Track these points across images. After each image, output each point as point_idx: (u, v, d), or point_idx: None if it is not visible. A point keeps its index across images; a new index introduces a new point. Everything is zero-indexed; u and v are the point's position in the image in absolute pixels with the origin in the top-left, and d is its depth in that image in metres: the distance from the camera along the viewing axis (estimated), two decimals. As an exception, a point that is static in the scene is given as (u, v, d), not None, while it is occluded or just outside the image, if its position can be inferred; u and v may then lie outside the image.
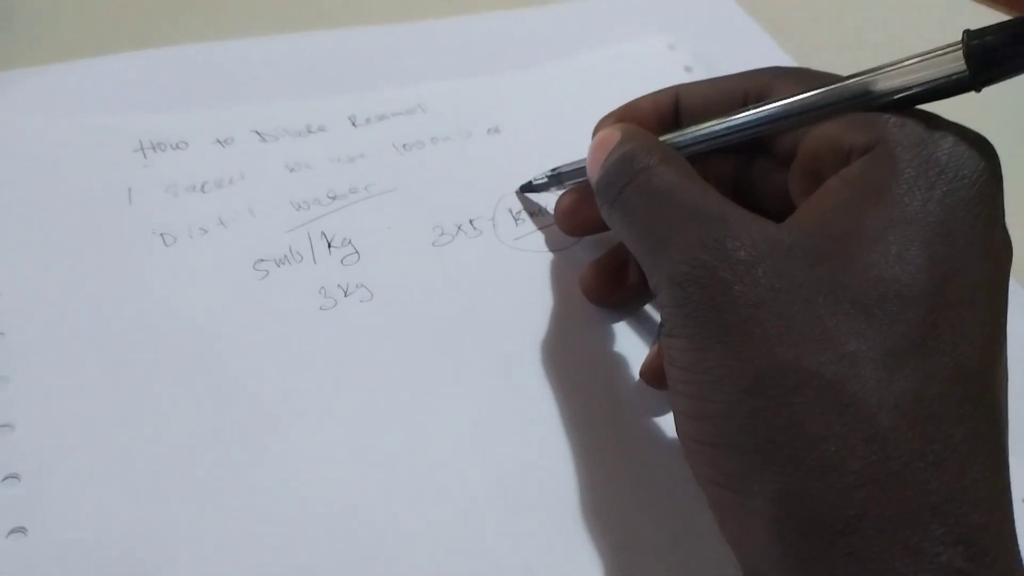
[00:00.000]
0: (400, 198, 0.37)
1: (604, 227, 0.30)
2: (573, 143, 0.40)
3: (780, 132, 0.28)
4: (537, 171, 0.39)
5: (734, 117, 0.28)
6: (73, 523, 0.26)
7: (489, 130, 0.41)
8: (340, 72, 0.44)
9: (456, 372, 0.32)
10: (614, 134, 0.29)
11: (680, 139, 0.30)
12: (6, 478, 0.27)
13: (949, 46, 0.23)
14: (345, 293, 0.34)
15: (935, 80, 0.24)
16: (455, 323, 0.33)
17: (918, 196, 0.22)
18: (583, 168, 0.32)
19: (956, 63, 0.23)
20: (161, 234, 0.35)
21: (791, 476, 0.21)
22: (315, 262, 0.34)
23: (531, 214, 0.38)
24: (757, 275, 0.23)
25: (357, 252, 0.35)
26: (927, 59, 0.24)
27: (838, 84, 0.26)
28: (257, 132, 0.39)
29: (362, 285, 0.34)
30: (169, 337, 0.31)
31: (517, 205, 0.38)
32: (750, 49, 0.49)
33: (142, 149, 0.38)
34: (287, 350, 0.32)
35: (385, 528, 0.28)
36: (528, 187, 0.38)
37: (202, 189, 0.37)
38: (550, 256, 0.36)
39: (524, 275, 0.35)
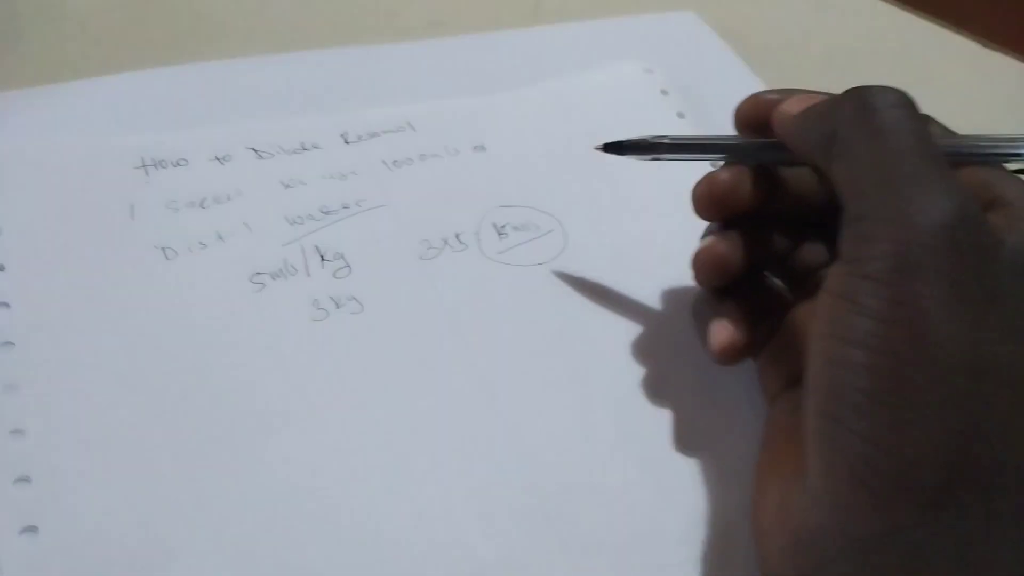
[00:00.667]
0: (389, 213, 0.39)
1: (752, 210, 0.32)
2: (555, 160, 0.43)
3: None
4: (520, 188, 0.42)
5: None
6: (82, 522, 0.28)
7: (475, 148, 0.43)
8: (333, 91, 0.46)
9: (442, 382, 0.34)
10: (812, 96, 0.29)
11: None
12: (18, 480, 0.29)
13: None
14: (337, 305, 0.35)
15: None
16: (441, 334, 0.35)
17: None
18: (702, 144, 0.33)
19: None
20: (163, 248, 0.36)
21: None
22: (308, 275, 0.36)
23: (514, 228, 0.40)
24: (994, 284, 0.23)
25: (348, 265, 0.37)
26: None
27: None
28: (254, 149, 0.41)
29: (353, 298, 0.36)
30: (170, 346, 0.33)
31: (501, 219, 0.40)
32: (723, 73, 0.51)
33: (144, 166, 0.40)
34: (282, 359, 0.33)
35: (373, 531, 0.29)
36: (615, 147, 0.34)
37: (201, 205, 0.38)
38: (533, 269, 0.38)
39: (507, 287, 0.37)
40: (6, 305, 0.33)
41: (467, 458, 0.31)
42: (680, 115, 0.46)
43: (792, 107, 0.29)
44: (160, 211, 0.38)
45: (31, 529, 0.28)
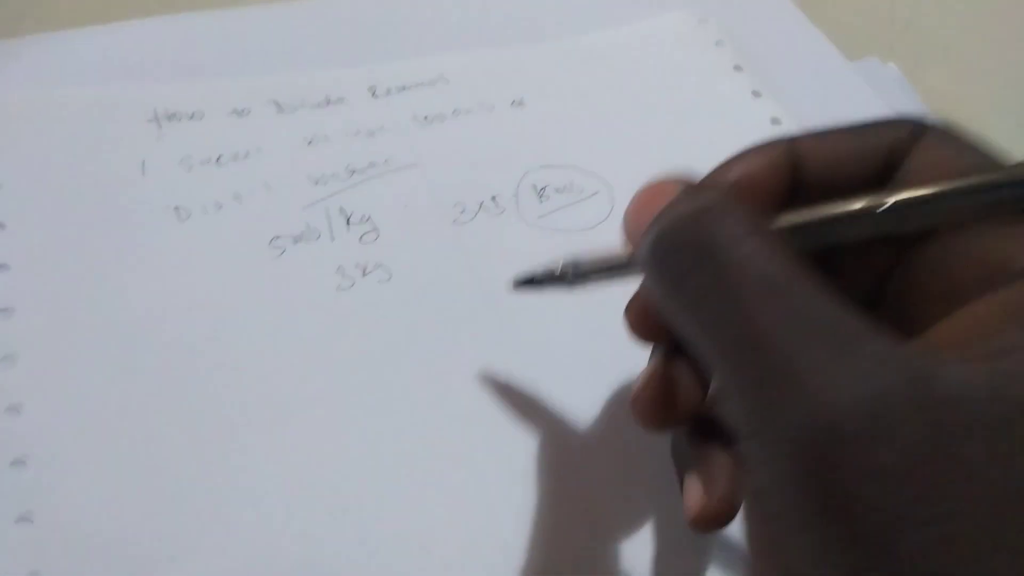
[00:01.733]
0: (421, 174, 0.36)
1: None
2: (601, 116, 0.39)
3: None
4: (562, 146, 0.38)
5: (893, 200, 0.20)
6: (79, 510, 0.26)
7: (513, 103, 0.40)
8: (360, 41, 0.42)
9: (474, 356, 0.31)
10: (670, 185, 0.21)
11: (802, 220, 0.21)
12: (13, 463, 0.26)
13: None
14: (363, 273, 0.33)
15: None
16: (475, 306, 0.32)
17: None
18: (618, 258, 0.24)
19: None
20: (175, 208, 0.34)
21: None
22: (333, 239, 0.33)
23: (556, 190, 0.36)
24: (931, 466, 0.16)
25: (376, 230, 0.34)
26: None
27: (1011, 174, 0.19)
28: (275, 102, 0.38)
29: (381, 265, 0.33)
30: (181, 314, 0.30)
31: (542, 181, 0.37)
32: (781, 23, 0.47)
33: (156, 119, 0.37)
34: (303, 331, 0.31)
35: (404, 516, 0.27)
36: (529, 281, 0.27)
37: (217, 162, 0.36)
38: (576, 235, 0.35)
39: (548, 255, 0.34)
40: (5, 267, 0.31)
41: (499, 436, 0.29)
42: (737, 68, 0.42)
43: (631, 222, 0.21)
44: (173, 168, 0.35)
45: (26, 519, 0.25)
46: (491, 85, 0.40)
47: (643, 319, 0.25)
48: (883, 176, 0.22)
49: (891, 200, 0.20)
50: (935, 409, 0.16)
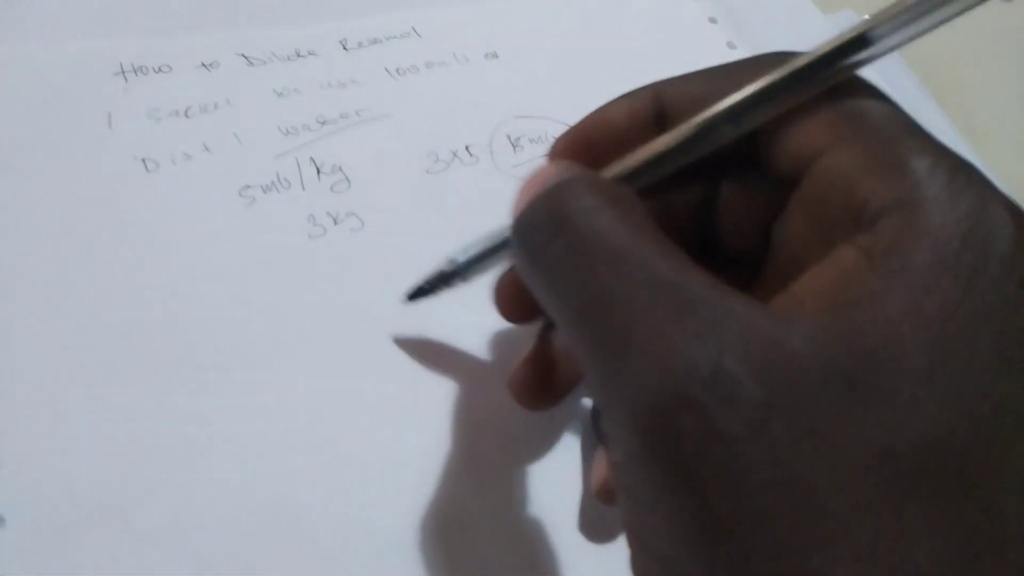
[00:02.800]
0: (393, 124, 0.36)
1: None
2: (576, 68, 0.39)
3: (760, 130, 0.20)
4: (537, 98, 0.38)
5: (695, 121, 0.21)
6: (45, 455, 0.25)
7: (487, 55, 0.39)
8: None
9: (448, 303, 0.30)
10: (550, 171, 0.20)
11: (627, 166, 0.22)
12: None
13: None
14: (335, 221, 0.32)
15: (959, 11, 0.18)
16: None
17: (966, 297, 0.16)
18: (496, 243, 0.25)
19: None
20: (143, 159, 0.33)
21: None
22: (304, 189, 0.33)
23: (531, 141, 0.36)
24: (772, 429, 0.15)
25: (348, 179, 0.33)
26: None
27: (840, 41, 0.19)
28: (244, 56, 0.38)
29: (353, 213, 0.32)
30: (151, 265, 0.30)
31: (516, 131, 0.36)
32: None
33: (123, 73, 0.36)
34: (274, 279, 0.30)
35: (369, 464, 0.27)
36: (420, 292, 0.27)
37: (186, 114, 0.35)
38: (550, 185, 0.34)
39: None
40: (-32, 220, 0.30)
41: (469, 389, 0.28)
42: (712, 20, 0.42)
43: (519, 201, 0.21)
44: (140, 120, 0.34)
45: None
46: (464, 38, 0.40)
47: (509, 299, 0.25)
48: None
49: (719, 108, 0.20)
50: (779, 369, 0.15)
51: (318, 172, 0.33)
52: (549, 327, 0.26)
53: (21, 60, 0.36)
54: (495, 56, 0.39)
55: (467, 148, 0.35)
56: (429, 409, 0.28)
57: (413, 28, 0.40)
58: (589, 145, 0.23)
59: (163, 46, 0.37)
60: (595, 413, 0.27)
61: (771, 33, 0.42)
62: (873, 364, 0.16)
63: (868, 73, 0.20)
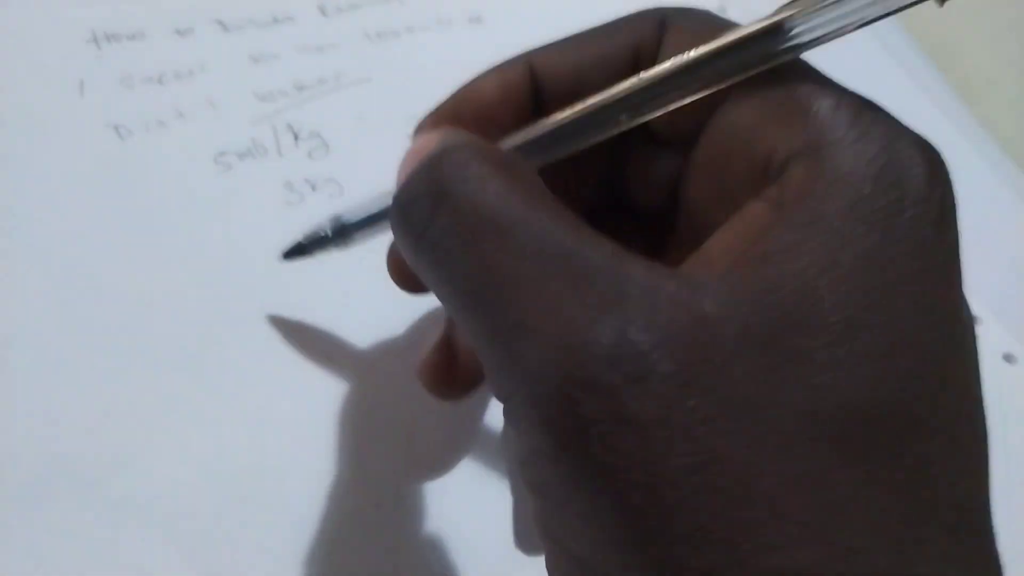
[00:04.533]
0: (373, 89, 0.35)
1: None
2: (564, 33, 0.38)
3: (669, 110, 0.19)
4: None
5: (601, 98, 0.19)
6: (23, 425, 0.25)
7: (470, 19, 0.38)
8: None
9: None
10: (432, 138, 0.19)
11: (525, 139, 0.20)
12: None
13: None
14: (313, 188, 0.31)
15: (892, 11, 0.17)
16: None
17: (882, 245, 0.15)
18: (382, 207, 0.23)
19: None
20: (115, 127, 0.32)
21: None
22: (280, 155, 0.32)
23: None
24: (686, 406, 0.14)
25: (326, 145, 0.33)
26: None
27: (751, 31, 0.18)
28: (220, 22, 0.37)
29: (332, 179, 0.32)
30: (125, 232, 0.29)
31: (499, 96, 0.35)
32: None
33: (95, 40, 0.35)
34: (251, 246, 0.29)
35: (352, 434, 0.26)
36: (297, 250, 0.26)
37: (160, 81, 0.34)
38: (535, 149, 0.34)
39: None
40: (-65, 188, 0.29)
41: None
42: (722, 10, 0.41)
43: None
44: (113, 87, 0.33)
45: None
46: (447, 2, 0.39)
47: (404, 270, 0.23)
48: None
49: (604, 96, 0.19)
50: (689, 337, 0.14)
51: (295, 138, 0.33)
52: None
53: (-10, 28, 0.35)
54: (479, 20, 0.38)
55: (449, 112, 0.34)
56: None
57: (394, -8, 0.39)
58: (459, 121, 0.21)
59: (136, 12, 0.36)
60: None
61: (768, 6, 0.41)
62: (789, 323, 0.14)
63: (859, 32, 0.19)
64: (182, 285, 0.28)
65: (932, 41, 0.44)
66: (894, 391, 0.14)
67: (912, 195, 0.15)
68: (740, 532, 0.13)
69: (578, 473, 0.14)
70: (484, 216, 0.16)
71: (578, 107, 0.19)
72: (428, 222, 0.17)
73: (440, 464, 0.26)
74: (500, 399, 0.16)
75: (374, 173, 0.32)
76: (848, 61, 0.19)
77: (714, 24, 0.19)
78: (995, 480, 0.15)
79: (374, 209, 0.23)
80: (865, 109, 0.16)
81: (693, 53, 0.18)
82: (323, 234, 0.24)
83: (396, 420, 0.26)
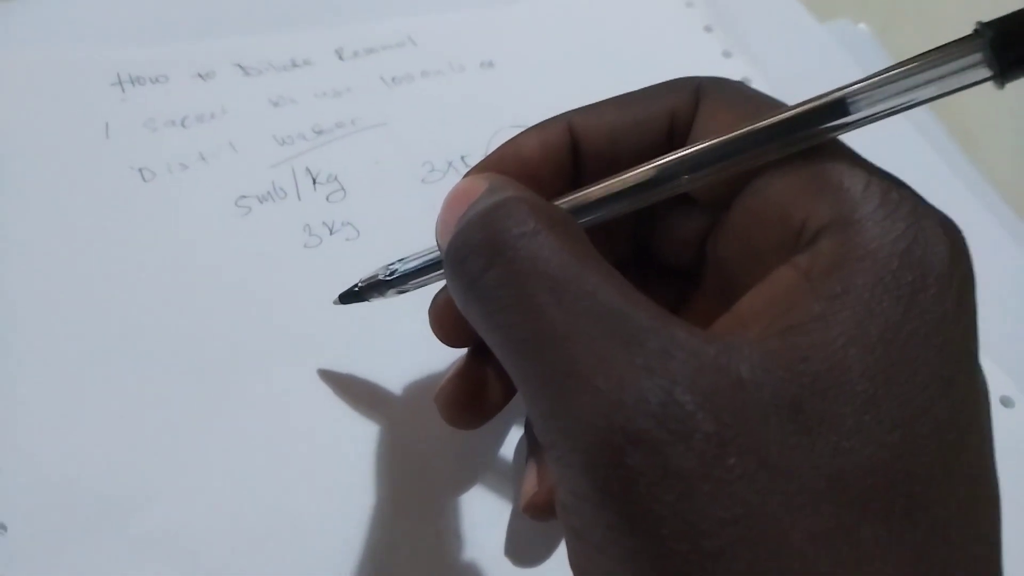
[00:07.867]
0: (388, 133, 0.36)
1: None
2: (573, 77, 0.39)
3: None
4: (533, 107, 0.38)
5: (652, 166, 0.20)
6: (48, 459, 0.25)
7: (482, 64, 0.39)
8: (327, 4, 0.42)
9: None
10: (478, 183, 0.19)
11: (575, 202, 0.20)
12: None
13: (953, 44, 0.17)
14: (331, 231, 0.32)
15: (944, 93, 0.18)
16: (445, 261, 0.32)
17: (906, 318, 0.16)
18: (436, 257, 0.23)
19: (973, 59, 0.17)
20: (140, 169, 0.33)
21: None
22: (299, 199, 0.33)
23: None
24: (726, 464, 0.15)
25: (343, 188, 0.34)
26: (928, 65, 0.17)
27: (803, 109, 0.18)
28: (240, 66, 0.38)
29: (348, 223, 0.33)
30: (148, 274, 0.30)
31: (511, 141, 0.36)
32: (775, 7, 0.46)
33: (120, 83, 0.36)
34: (270, 288, 0.30)
35: (370, 474, 0.27)
36: (351, 295, 0.27)
37: (182, 124, 0.35)
38: (545, 193, 0.35)
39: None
40: (-35, 230, 0.30)
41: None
42: (707, 29, 0.42)
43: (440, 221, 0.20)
44: (137, 130, 0.35)
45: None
46: (460, 47, 0.40)
47: (446, 322, 0.24)
48: (671, 143, 0.21)
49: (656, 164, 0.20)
50: (728, 399, 0.15)
51: (314, 182, 0.34)
52: (483, 348, 0.25)
53: (19, 67, 0.36)
54: (491, 65, 0.39)
55: (462, 158, 0.35)
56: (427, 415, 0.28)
57: (409, 37, 0.40)
58: None
59: (159, 56, 0.38)
60: (529, 426, 0.27)
61: (767, 42, 0.43)
62: (819, 390, 0.15)
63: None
64: (203, 326, 0.29)
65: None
66: (913, 457, 0.15)
67: (935, 272, 0.16)
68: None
69: (622, 519, 0.15)
70: (540, 270, 0.17)
71: (637, 170, 0.20)
72: (483, 272, 0.17)
73: (468, 514, 0.27)
74: (545, 444, 0.17)
75: (390, 217, 0.33)
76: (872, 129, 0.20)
77: (747, 95, 0.21)
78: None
79: (429, 259, 0.24)
80: (893, 188, 0.17)
81: (752, 126, 0.19)
82: (379, 279, 0.25)
83: (419, 464, 0.27)
